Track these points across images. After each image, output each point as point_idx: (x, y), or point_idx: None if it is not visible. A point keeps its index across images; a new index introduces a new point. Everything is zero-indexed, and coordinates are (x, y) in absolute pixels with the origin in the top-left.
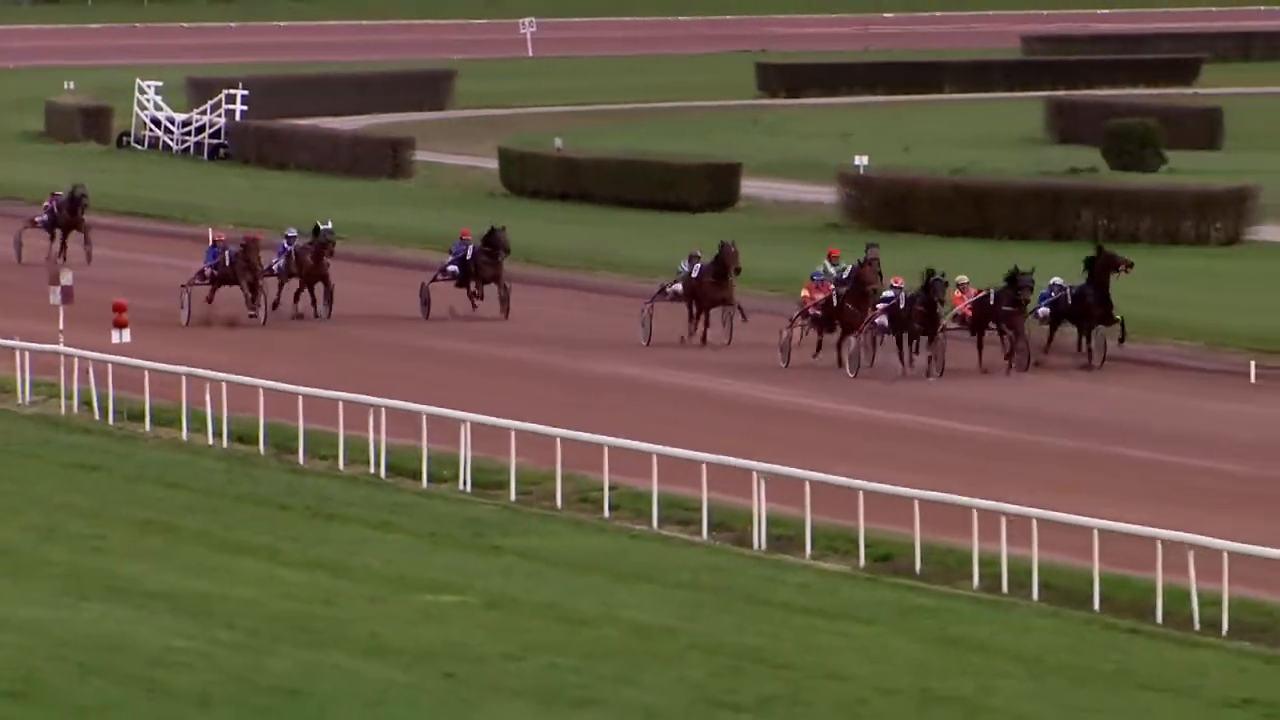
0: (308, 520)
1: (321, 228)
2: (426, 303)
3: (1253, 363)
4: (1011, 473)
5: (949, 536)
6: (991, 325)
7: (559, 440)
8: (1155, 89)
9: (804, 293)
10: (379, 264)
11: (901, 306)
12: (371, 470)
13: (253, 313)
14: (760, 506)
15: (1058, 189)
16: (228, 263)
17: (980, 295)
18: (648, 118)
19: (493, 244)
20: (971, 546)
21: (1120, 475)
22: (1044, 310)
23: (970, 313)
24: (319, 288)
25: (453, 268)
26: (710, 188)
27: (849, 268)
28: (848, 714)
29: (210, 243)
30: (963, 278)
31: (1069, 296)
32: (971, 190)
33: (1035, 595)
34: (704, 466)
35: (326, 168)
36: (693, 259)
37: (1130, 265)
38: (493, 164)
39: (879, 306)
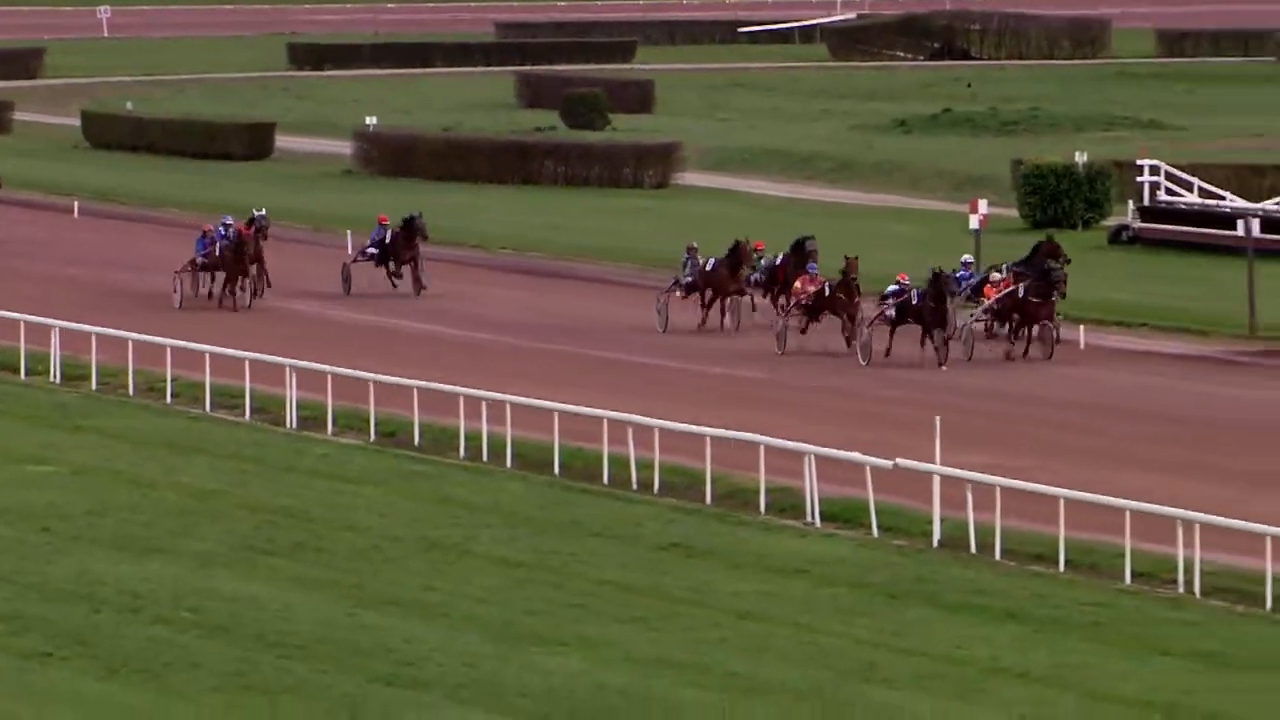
0: None
1: (256, 214)
2: (347, 280)
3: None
4: (485, 366)
5: (443, 418)
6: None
7: (131, 343)
8: (601, 65)
9: (796, 284)
10: None
11: (915, 301)
12: None
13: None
14: (291, 393)
15: (526, 144)
16: (218, 253)
17: (1010, 289)
18: (200, 86)
19: (411, 229)
20: (459, 425)
21: (562, 368)
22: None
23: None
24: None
25: (372, 250)
26: (250, 142)
27: (778, 258)
28: (362, 557)
29: (200, 233)
30: (996, 274)
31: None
32: (459, 145)
33: (509, 464)
34: (247, 363)
35: None
36: (691, 251)
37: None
38: (76, 122)
39: (889, 300)
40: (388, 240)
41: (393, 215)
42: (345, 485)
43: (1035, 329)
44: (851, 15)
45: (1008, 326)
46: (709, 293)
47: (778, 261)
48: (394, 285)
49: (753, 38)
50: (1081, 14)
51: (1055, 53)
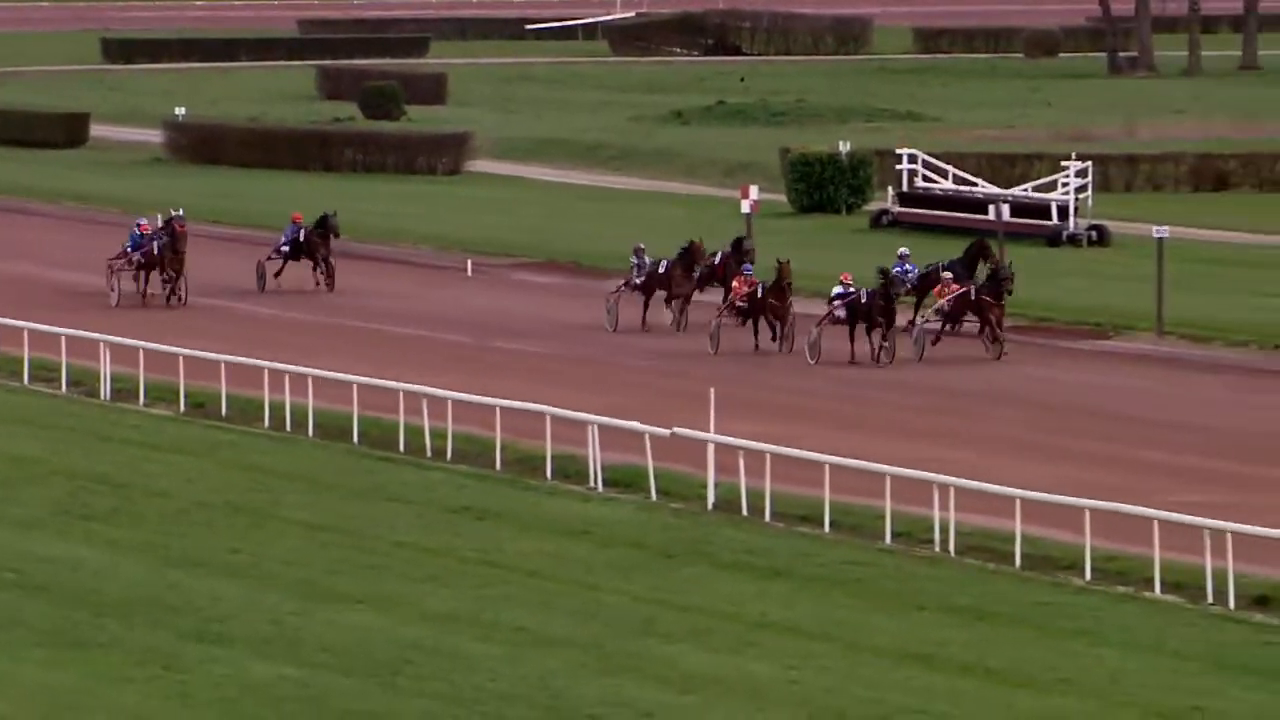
0: None
1: (173, 214)
2: (261, 277)
3: (470, 260)
4: (288, 342)
5: (249, 390)
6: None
7: None
8: (397, 59)
9: (735, 284)
10: None
11: (863, 301)
12: None
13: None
14: (105, 367)
15: (327, 133)
16: (155, 251)
17: (962, 290)
18: (19, 79)
19: (324, 228)
20: (264, 397)
21: (361, 344)
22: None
23: (950, 306)
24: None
25: (285, 247)
26: (66, 131)
27: (718, 257)
28: (173, 521)
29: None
30: (947, 274)
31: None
32: (264, 134)
33: (311, 433)
34: (63, 339)
35: None
36: (639, 252)
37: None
38: None
39: (836, 300)
40: (302, 238)
41: (200, 201)
42: (156, 453)
43: (986, 328)
44: (630, 14)
45: (949, 326)
46: (661, 293)
47: (716, 260)
48: (317, 283)
49: (538, 34)
50: (845, 13)
51: (820, 49)
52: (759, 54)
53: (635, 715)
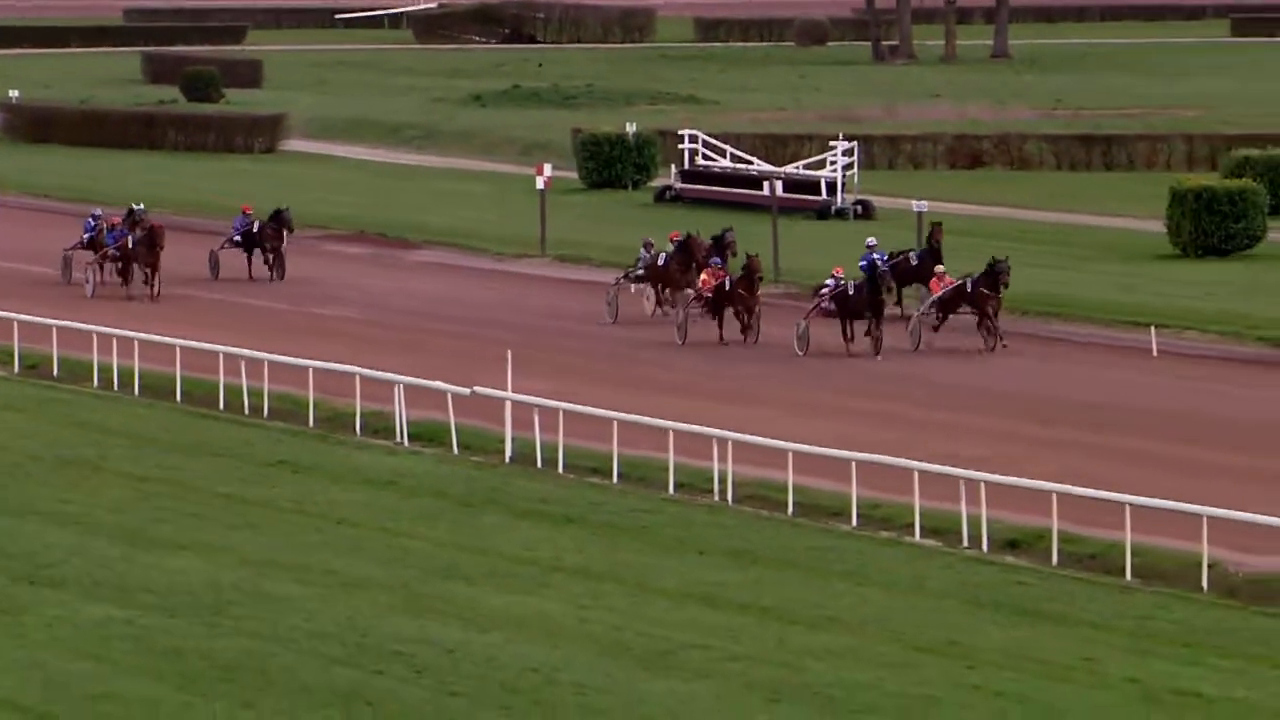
0: None
1: (134, 208)
2: (215, 266)
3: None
4: (116, 308)
5: (79, 352)
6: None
7: None
8: (216, 46)
9: (703, 277)
10: None
11: (851, 293)
12: None
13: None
14: None
15: (152, 114)
16: (130, 245)
17: (958, 283)
18: None
19: (278, 221)
20: (93, 358)
21: (185, 310)
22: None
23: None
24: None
25: (237, 238)
26: None
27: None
28: (6, 474)
29: (108, 225)
30: (940, 267)
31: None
32: (93, 115)
33: (137, 392)
34: None
35: None
36: (647, 245)
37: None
38: None
39: (823, 293)
40: (255, 229)
41: (34, 178)
42: None
43: (984, 320)
44: (433, 4)
45: (941, 317)
46: (661, 285)
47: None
48: (271, 275)
49: (348, 24)
50: (630, 4)
51: (609, 38)
52: (552, 42)
53: (440, 651)
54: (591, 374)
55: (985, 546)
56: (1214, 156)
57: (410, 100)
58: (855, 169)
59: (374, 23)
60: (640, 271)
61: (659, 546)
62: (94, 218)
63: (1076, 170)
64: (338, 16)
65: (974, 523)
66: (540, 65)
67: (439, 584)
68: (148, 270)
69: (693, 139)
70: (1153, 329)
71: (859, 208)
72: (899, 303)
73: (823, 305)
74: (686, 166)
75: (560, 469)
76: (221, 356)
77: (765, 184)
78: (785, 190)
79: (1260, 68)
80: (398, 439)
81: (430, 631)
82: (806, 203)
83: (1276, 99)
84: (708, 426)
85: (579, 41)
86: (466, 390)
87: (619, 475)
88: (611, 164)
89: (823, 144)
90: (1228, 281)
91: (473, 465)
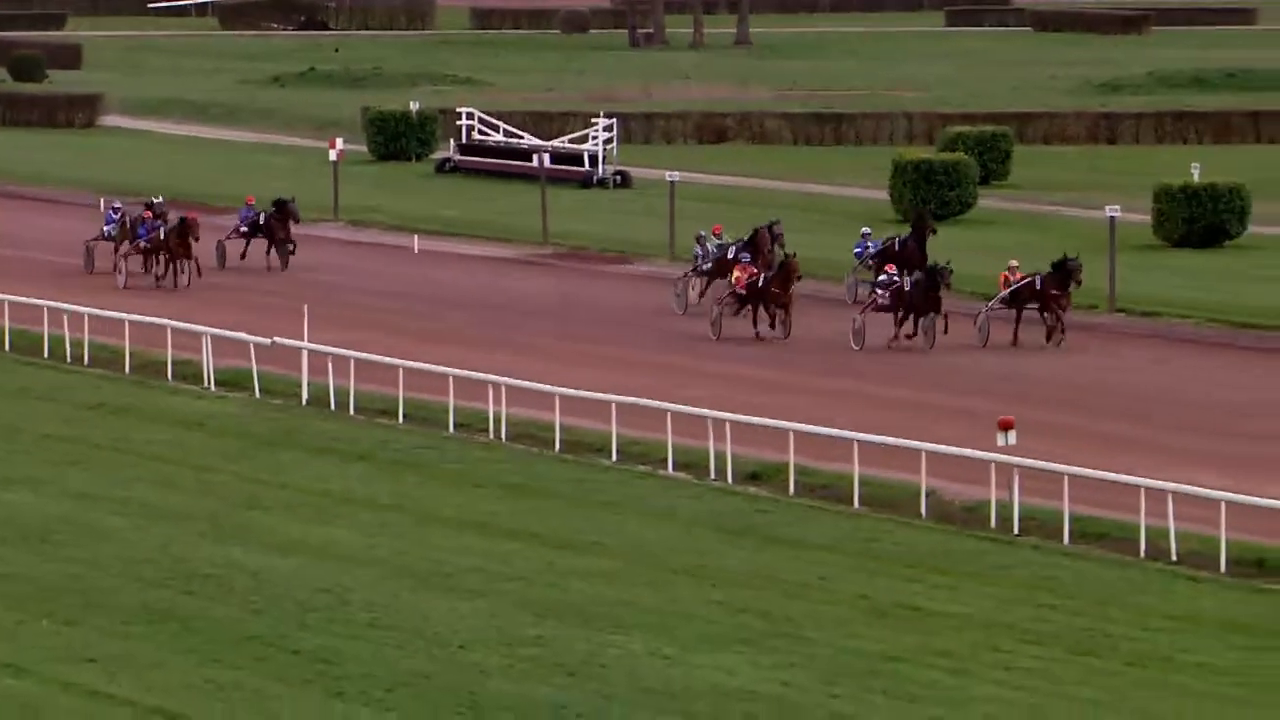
0: None
1: (154, 201)
2: (222, 255)
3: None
4: None
5: None
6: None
7: None
8: (39, 31)
9: (735, 273)
10: None
11: (908, 290)
12: None
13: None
14: None
15: None
16: (161, 236)
17: (1026, 280)
18: None
19: (283, 212)
20: None
21: (13, 268)
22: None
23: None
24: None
25: (244, 228)
26: None
27: (736, 242)
28: None
29: (138, 218)
30: (1013, 261)
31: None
32: None
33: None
34: None
35: None
36: (701, 240)
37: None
38: None
39: (880, 290)
40: (261, 220)
41: None
42: None
43: (1051, 316)
44: None
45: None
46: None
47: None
48: (280, 262)
49: (159, 11)
50: None
51: (394, 25)
52: (343, 29)
53: (245, 574)
54: (386, 327)
55: (730, 479)
56: (931, 133)
57: (216, 81)
58: (614, 143)
59: (183, 11)
60: (707, 266)
61: (440, 480)
62: (114, 210)
63: (811, 145)
64: (150, 5)
65: (720, 458)
66: (338, 50)
67: (243, 514)
68: (181, 260)
69: (470, 116)
70: (847, 276)
71: (618, 178)
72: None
73: (879, 300)
74: (464, 141)
75: (352, 411)
76: (46, 310)
77: (534, 156)
78: (552, 162)
79: (972, 55)
80: (206, 385)
81: (235, 557)
82: (571, 173)
83: (986, 83)
84: (483, 372)
85: (367, 29)
86: (267, 340)
87: (404, 416)
88: (397, 138)
89: (585, 121)
90: (942, 243)
91: (273, 408)
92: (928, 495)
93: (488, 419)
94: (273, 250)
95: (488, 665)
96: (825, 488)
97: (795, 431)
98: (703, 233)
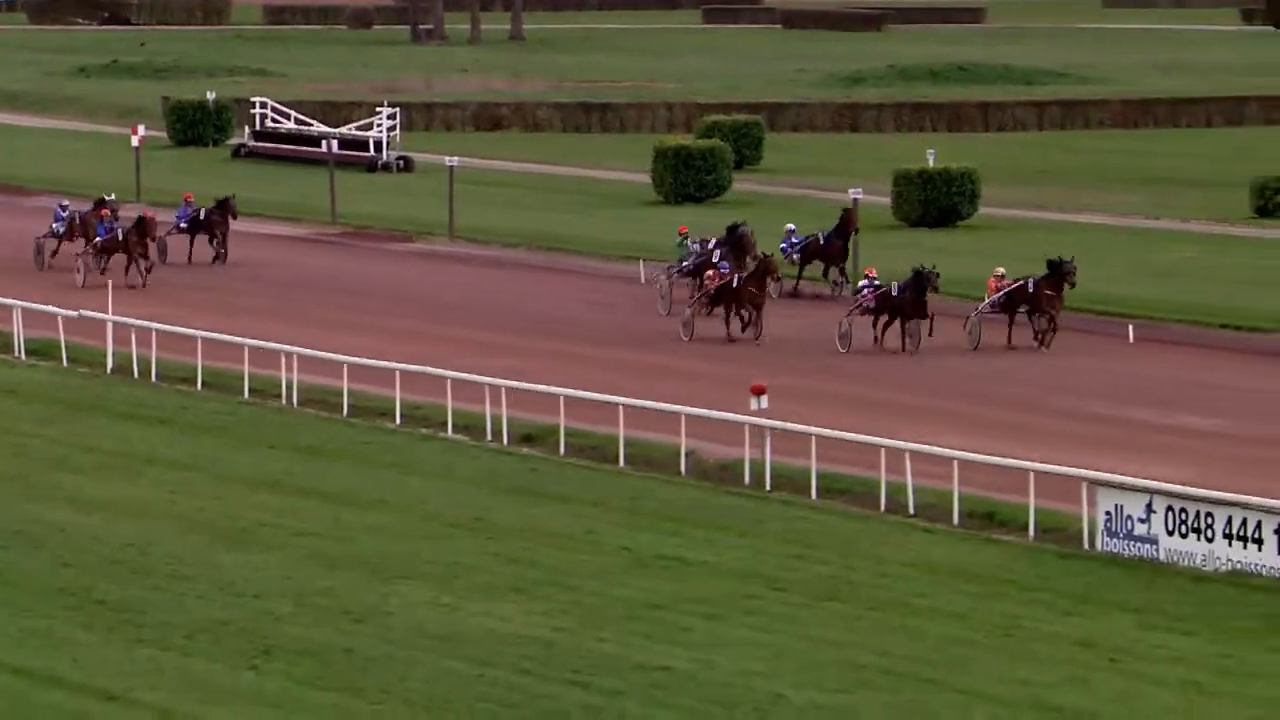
0: None
1: (106, 199)
2: (163, 250)
3: None
4: None
5: None
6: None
7: None
8: None
9: (708, 274)
10: None
11: (894, 294)
12: None
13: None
14: None
15: None
16: (120, 236)
17: (1019, 283)
18: None
19: (225, 208)
20: None
21: None
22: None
23: (1004, 297)
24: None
25: (184, 225)
26: None
27: (709, 242)
28: None
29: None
30: (999, 269)
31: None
32: None
33: None
34: None
35: None
36: (700, 242)
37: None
38: None
39: (865, 293)
40: (201, 217)
41: None
42: None
43: (1042, 318)
44: None
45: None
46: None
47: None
48: (217, 256)
49: None
50: None
51: (191, 20)
52: (144, 24)
53: (53, 530)
54: (190, 303)
55: (506, 440)
56: (690, 121)
57: (25, 72)
58: (398, 131)
59: None
60: (690, 265)
61: (236, 442)
62: (62, 207)
63: (580, 132)
64: None
65: (496, 420)
66: (143, 44)
67: (52, 475)
68: (139, 259)
69: (263, 105)
70: (641, 262)
71: (401, 163)
72: (797, 280)
73: (863, 304)
74: (258, 128)
75: (154, 379)
76: None
77: (323, 142)
78: (340, 148)
79: (727, 50)
80: (16, 354)
81: (45, 514)
82: (358, 158)
83: (739, 75)
84: (277, 343)
85: (167, 24)
86: (74, 313)
87: (203, 384)
88: (195, 125)
89: (370, 110)
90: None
91: (80, 376)
92: (687, 455)
93: (280, 385)
94: (211, 244)
95: (281, 612)
96: (593, 448)
97: (565, 396)
98: (685, 228)
